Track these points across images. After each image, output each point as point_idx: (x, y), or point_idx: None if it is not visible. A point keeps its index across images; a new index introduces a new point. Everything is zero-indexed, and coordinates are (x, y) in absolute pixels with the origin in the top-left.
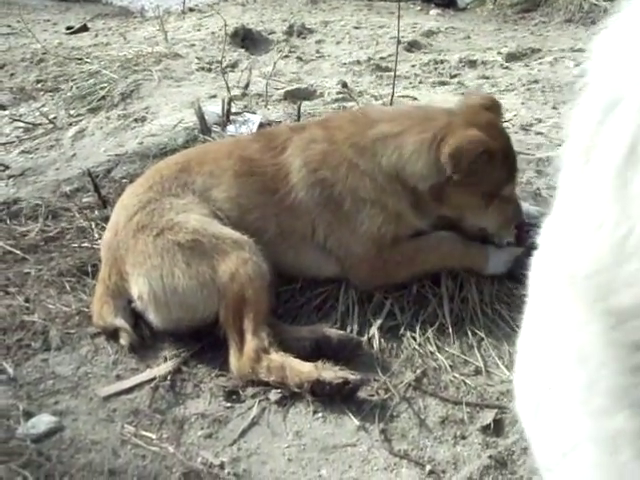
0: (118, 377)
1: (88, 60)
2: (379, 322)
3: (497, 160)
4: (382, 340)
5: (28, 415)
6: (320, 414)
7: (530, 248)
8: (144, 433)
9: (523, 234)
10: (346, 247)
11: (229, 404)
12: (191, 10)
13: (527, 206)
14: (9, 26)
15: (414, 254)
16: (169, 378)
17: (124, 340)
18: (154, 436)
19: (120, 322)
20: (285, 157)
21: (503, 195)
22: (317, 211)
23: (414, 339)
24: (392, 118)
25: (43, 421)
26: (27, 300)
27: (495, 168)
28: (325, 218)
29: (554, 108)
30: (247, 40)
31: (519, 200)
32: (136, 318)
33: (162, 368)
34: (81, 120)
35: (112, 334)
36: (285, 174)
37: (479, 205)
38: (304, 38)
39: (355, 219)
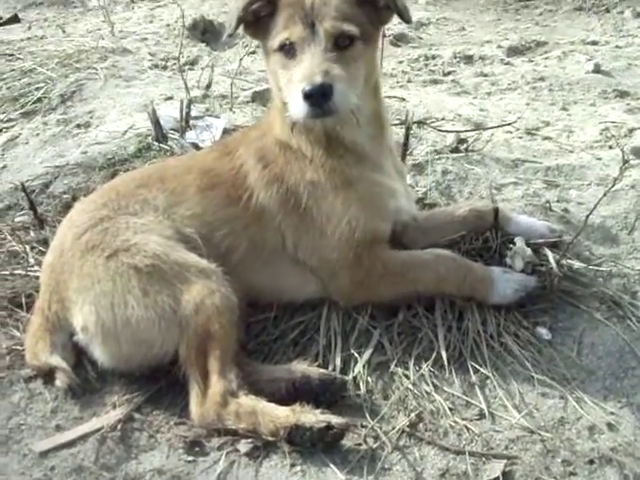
0: (57, 428)
1: (20, 56)
2: (366, 357)
3: None
4: (370, 379)
5: None
6: (298, 467)
7: (544, 279)
8: None
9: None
10: (319, 254)
11: (191, 458)
12: None
13: (535, 221)
14: None
15: (403, 269)
16: (119, 428)
17: (61, 382)
18: None
19: (56, 360)
20: (239, 157)
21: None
22: (281, 214)
23: (407, 377)
24: None
25: None
26: None
27: None
28: (291, 222)
29: (564, 109)
30: (208, 33)
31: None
32: (79, 356)
33: (110, 416)
34: (13, 126)
35: (49, 376)
36: (243, 176)
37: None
38: None
39: (319, 214)
